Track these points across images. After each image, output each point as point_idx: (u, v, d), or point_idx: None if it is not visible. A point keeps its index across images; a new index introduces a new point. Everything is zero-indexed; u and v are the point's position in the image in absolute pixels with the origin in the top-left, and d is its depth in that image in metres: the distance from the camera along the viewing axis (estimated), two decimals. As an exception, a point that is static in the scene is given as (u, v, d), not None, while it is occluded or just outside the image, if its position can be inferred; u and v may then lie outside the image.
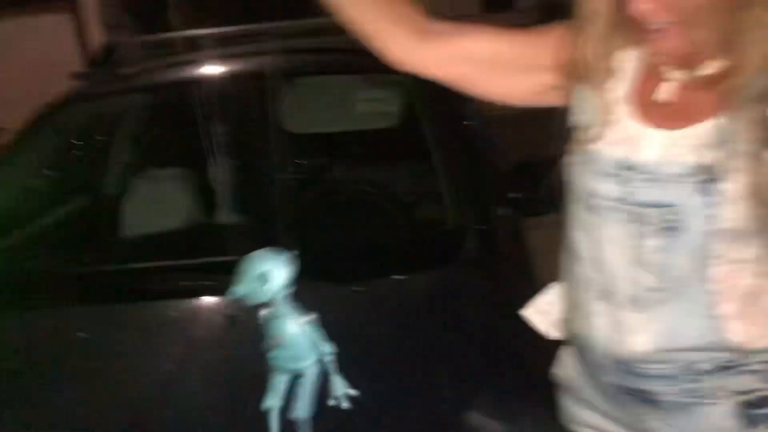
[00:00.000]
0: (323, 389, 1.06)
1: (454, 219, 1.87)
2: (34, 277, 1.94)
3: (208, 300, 1.69)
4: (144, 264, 1.96)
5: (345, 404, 1.07)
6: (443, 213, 1.94)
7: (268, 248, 1.01)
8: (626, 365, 1.07)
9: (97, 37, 8.71)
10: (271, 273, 1.00)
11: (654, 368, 1.05)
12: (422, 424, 1.22)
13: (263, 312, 1.05)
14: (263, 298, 1.00)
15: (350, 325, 1.42)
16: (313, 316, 1.02)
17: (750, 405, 1.04)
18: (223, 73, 2.54)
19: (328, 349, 1.03)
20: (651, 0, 0.97)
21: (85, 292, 1.81)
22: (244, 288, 1.01)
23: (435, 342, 1.42)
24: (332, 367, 1.05)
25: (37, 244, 2.32)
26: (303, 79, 2.53)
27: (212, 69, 2.57)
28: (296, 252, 0.99)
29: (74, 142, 2.90)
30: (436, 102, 2.20)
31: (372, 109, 2.52)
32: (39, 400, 1.42)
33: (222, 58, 2.60)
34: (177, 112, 2.77)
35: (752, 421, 1.04)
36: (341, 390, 1.08)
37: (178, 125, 2.81)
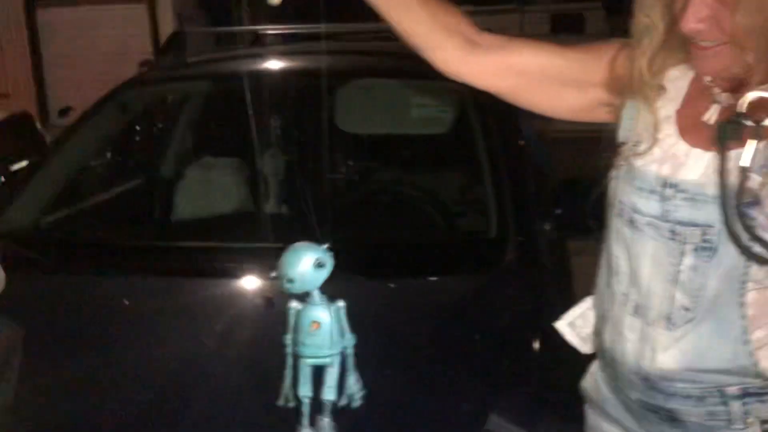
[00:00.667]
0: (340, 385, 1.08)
1: (496, 228, 1.88)
2: (89, 246, 2.03)
3: (249, 281, 1.76)
4: (191, 243, 2.03)
5: (355, 404, 1.09)
6: (486, 222, 1.96)
7: (308, 240, 1.04)
8: (653, 382, 1.07)
9: (169, 27, 9.03)
10: (325, 260, 1.03)
11: (680, 387, 1.05)
12: (443, 424, 1.23)
13: (294, 303, 1.07)
14: (315, 284, 1.03)
15: (381, 320, 1.45)
16: (343, 304, 1.05)
17: (777, 433, 1.03)
18: (283, 69, 2.61)
19: (351, 339, 1.06)
20: (702, 19, 0.97)
21: (135, 264, 1.89)
22: (299, 272, 1.03)
23: (462, 344, 1.44)
24: (351, 362, 1.07)
25: (95, 217, 2.43)
26: (360, 80, 2.57)
27: (273, 64, 2.64)
28: (330, 246, 1.02)
29: (136, 125, 3.03)
30: (488, 113, 2.22)
31: (425, 115, 2.55)
32: (83, 357, 1.50)
33: (283, 55, 2.67)
34: (235, 103, 2.85)
35: (779, 449, 1.03)
36: (355, 389, 1.10)
37: (235, 116, 2.89)
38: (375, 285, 1.63)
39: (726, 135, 0.98)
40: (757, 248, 0.97)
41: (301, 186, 2.27)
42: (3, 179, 3.58)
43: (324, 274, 1.02)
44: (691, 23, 0.98)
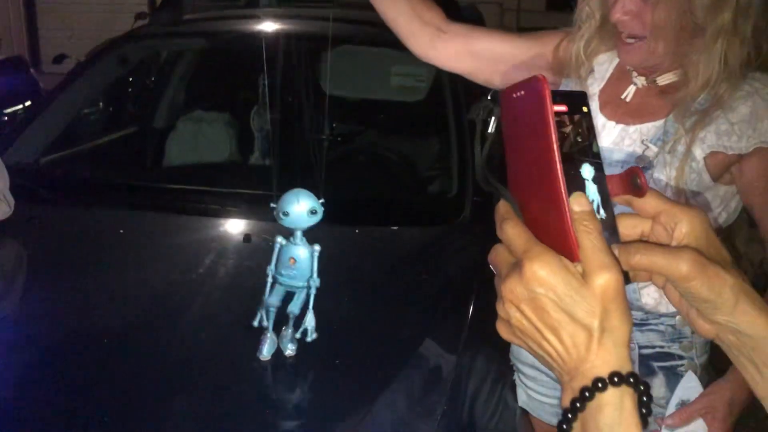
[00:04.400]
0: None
1: (456, 188, 2.09)
2: (87, 183, 2.23)
3: (230, 221, 1.97)
4: (179, 186, 2.23)
5: (309, 338, 1.31)
6: (449, 182, 2.17)
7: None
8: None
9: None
10: (318, 210, 1.25)
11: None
12: (380, 349, 1.46)
13: (280, 239, 1.29)
14: (302, 226, 1.25)
15: (345, 259, 1.67)
16: (318, 248, 1.27)
17: (651, 358, 1.26)
18: (276, 30, 2.77)
19: (316, 281, 1.28)
20: (627, 12, 1.19)
21: (127, 201, 2.08)
22: (295, 211, 1.24)
23: (413, 284, 1.67)
24: (311, 303, 1.29)
25: (91, 159, 2.61)
26: (347, 46, 2.75)
27: (266, 26, 2.80)
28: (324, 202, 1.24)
29: (132, 77, 3.18)
30: (459, 86, 2.41)
31: (404, 83, 2.74)
32: (79, 279, 1.70)
33: (277, 17, 2.83)
34: (227, 61, 3.01)
35: (652, 371, 1.26)
36: (310, 324, 1.32)
37: (226, 73, 3.06)
38: (344, 230, 1.84)
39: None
40: None
41: (285, 141, 2.47)
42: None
43: (314, 220, 1.24)
44: (617, 14, 1.20)
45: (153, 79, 3.25)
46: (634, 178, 0.56)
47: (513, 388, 1.54)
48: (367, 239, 1.86)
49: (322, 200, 1.26)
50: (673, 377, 1.28)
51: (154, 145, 2.85)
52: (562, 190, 0.50)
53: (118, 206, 2.02)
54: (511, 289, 0.52)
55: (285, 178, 2.23)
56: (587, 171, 0.53)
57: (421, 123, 2.68)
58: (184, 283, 1.68)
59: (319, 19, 2.92)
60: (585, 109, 0.54)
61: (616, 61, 1.33)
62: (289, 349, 1.33)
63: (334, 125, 2.71)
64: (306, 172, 2.37)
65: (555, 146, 0.50)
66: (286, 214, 1.23)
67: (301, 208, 1.23)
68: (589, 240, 0.50)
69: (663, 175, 1.19)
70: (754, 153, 1.18)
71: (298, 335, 1.32)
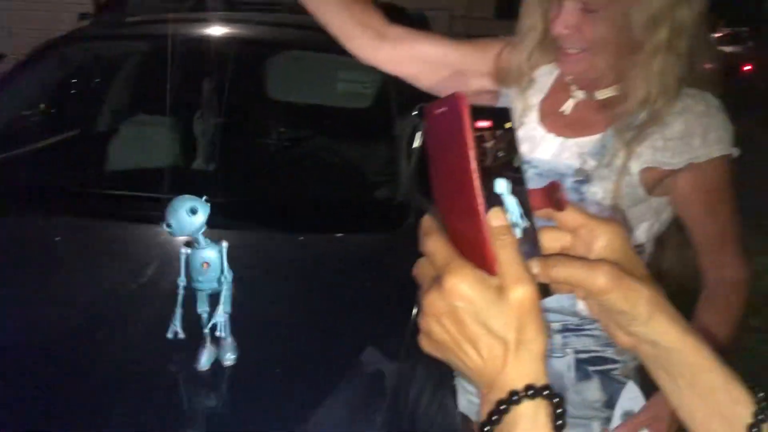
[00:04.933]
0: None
1: (401, 195, 2.10)
2: (24, 189, 2.17)
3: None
4: (119, 192, 2.18)
5: (218, 333, 1.29)
6: (395, 189, 2.18)
7: (189, 194, 1.21)
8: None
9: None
10: (197, 208, 1.21)
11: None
12: (322, 357, 1.45)
13: (184, 249, 1.26)
14: (192, 229, 1.20)
15: (290, 268, 1.67)
16: (226, 244, 1.24)
17: (586, 362, 1.29)
18: (222, 34, 2.74)
19: (230, 275, 1.26)
20: (568, 27, 1.21)
21: (65, 206, 2.03)
22: (176, 219, 1.20)
23: (354, 288, 1.67)
24: (228, 294, 1.27)
25: (30, 163, 2.53)
26: (293, 52, 2.74)
27: (212, 29, 2.76)
28: (207, 198, 1.20)
29: (73, 78, 3.10)
30: (406, 93, 2.42)
31: (350, 90, 2.74)
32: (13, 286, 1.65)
33: (224, 21, 2.80)
34: (170, 64, 2.95)
35: (587, 375, 1.29)
36: (220, 319, 1.29)
37: (170, 77, 3.00)
38: (288, 237, 1.83)
39: None
40: None
41: (229, 146, 2.44)
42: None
43: (199, 219, 1.20)
44: (558, 28, 1.21)
45: (95, 80, 3.18)
46: (554, 193, 0.57)
47: (454, 393, 1.56)
48: (310, 246, 1.86)
49: (204, 197, 1.21)
50: (609, 381, 1.31)
51: (94, 149, 2.78)
52: (480, 205, 0.51)
53: (56, 212, 1.97)
54: (431, 303, 0.52)
55: (228, 184, 2.22)
56: (507, 186, 0.54)
57: (367, 129, 2.68)
58: (122, 292, 1.64)
59: (266, 24, 2.91)
60: (508, 124, 0.56)
61: (557, 73, 1.35)
62: (228, 359, 1.32)
63: (280, 130, 2.69)
64: (250, 177, 2.36)
65: (473, 162, 0.51)
66: (169, 225, 1.20)
67: (180, 213, 1.19)
68: (505, 254, 0.51)
69: (600, 188, 1.22)
70: (687, 169, 1.22)
71: (206, 330, 1.30)
